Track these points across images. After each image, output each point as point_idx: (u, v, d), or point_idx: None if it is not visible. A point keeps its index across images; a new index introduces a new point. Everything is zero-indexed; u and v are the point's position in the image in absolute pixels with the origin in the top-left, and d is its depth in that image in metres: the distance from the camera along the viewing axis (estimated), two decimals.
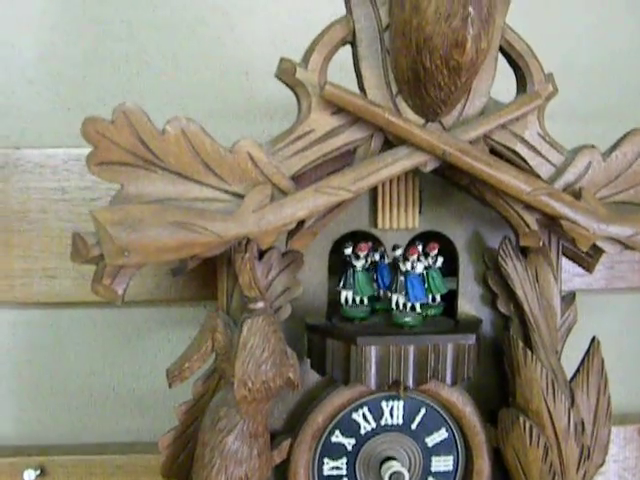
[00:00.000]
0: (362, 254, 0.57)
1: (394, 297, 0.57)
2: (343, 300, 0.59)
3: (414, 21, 0.46)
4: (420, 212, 0.60)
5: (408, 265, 0.56)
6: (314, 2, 0.75)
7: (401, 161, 0.50)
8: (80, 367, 0.77)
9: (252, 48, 0.78)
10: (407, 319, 0.57)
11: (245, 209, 0.49)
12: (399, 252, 0.58)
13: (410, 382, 0.55)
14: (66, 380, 0.77)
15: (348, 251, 0.58)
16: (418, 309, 0.57)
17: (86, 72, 0.76)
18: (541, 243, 0.55)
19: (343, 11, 0.50)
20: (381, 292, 0.61)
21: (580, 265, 0.63)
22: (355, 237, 0.59)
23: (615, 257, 0.82)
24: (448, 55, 0.46)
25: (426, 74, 0.47)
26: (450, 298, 0.62)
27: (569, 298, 0.62)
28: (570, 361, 0.62)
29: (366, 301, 0.59)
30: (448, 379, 0.56)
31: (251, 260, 0.53)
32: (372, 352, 0.54)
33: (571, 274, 0.80)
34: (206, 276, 0.68)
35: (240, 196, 0.50)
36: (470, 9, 0.45)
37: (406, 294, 0.57)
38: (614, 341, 0.84)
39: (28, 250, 0.72)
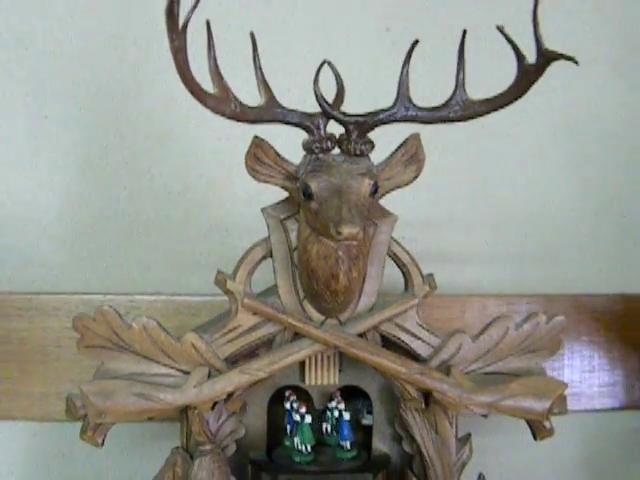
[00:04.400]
0: (302, 411, 0.81)
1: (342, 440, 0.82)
2: (296, 446, 0.82)
3: (304, 257, 0.70)
4: (340, 370, 0.83)
5: (347, 415, 0.81)
6: None
7: (305, 350, 0.75)
8: (87, 471, 1.03)
9: (231, 209, 1.03)
10: (346, 455, 0.81)
11: (188, 384, 0.74)
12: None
13: None
14: None
15: (287, 405, 0.82)
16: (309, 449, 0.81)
17: (96, 229, 1.02)
18: (423, 405, 0.78)
19: None
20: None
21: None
22: (291, 388, 0.83)
23: None
24: (327, 283, 0.70)
25: (316, 293, 0.72)
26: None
27: (464, 439, 0.84)
28: None
29: (309, 448, 0.82)
30: None
31: (200, 415, 0.78)
32: None
33: None
34: None
35: (186, 373, 0.75)
36: (340, 253, 0.69)
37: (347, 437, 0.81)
38: (548, 455, 1.06)
39: (46, 377, 0.98)
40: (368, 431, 0.85)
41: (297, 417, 0.80)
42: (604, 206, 1.07)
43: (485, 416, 0.84)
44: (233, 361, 0.76)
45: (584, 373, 1.03)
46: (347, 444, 0.82)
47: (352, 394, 0.85)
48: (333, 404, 0.82)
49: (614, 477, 1.09)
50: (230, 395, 0.75)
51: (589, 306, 1.03)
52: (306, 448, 0.81)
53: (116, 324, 0.73)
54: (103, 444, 0.76)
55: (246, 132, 0.96)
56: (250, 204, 1.01)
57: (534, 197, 1.06)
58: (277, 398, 0.83)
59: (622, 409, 1.06)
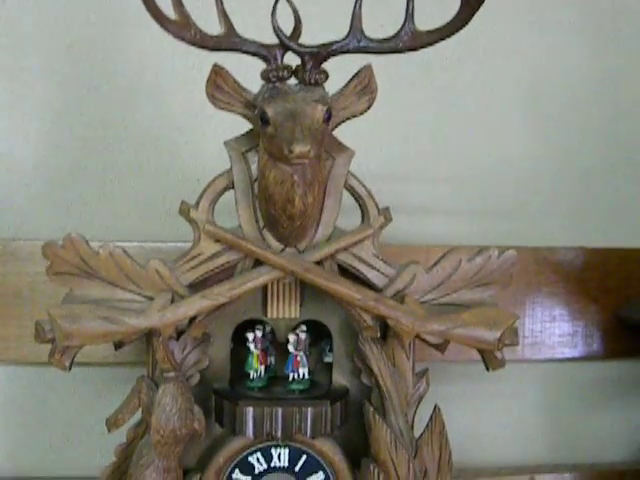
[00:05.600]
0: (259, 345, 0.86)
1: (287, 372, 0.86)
2: (251, 374, 0.87)
3: (262, 183, 0.74)
4: (301, 305, 0.87)
5: (291, 348, 0.84)
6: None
7: (264, 276, 0.78)
8: (60, 415, 1.06)
9: (203, 160, 1.07)
10: (294, 386, 0.85)
11: (152, 308, 0.78)
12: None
13: (279, 434, 0.83)
14: (48, 425, 1.06)
15: (250, 336, 0.86)
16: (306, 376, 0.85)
17: (71, 178, 1.05)
18: (378, 334, 0.82)
19: None
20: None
21: (433, 347, 0.89)
22: (253, 321, 0.87)
23: None
24: (284, 207, 0.74)
25: (273, 218, 0.75)
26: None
27: (421, 373, 0.88)
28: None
29: (261, 373, 0.87)
30: (309, 434, 0.83)
31: (164, 342, 0.81)
32: (250, 412, 0.82)
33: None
34: None
35: (151, 298, 0.79)
36: (296, 177, 0.72)
37: (290, 369, 0.85)
38: (507, 404, 1.10)
39: (20, 320, 1.02)
40: (330, 368, 0.89)
41: (250, 345, 0.84)
42: (565, 162, 1.11)
43: (441, 351, 0.88)
44: (196, 288, 0.79)
45: (544, 323, 1.07)
46: (294, 375, 0.86)
47: (317, 334, 0.89)
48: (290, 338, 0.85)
49: (573, 427, 1.13)
50: (192, 320, 0.79)
51: (549, 259, 1.07)
52: (256, 375, 0.86)
53: (84, 251, 0.77)
54: (71, 368, 0.79)
55: None
56: (222, 155, 1.05)
57: (497, 153, 1.10)
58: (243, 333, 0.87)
59: (581, 359, 1.10)
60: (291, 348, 0.84)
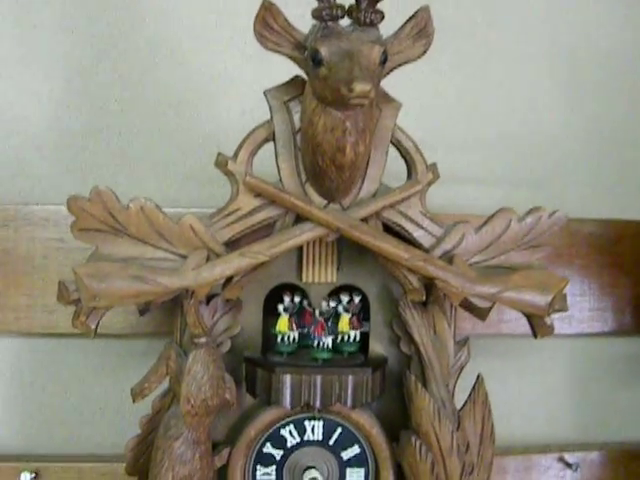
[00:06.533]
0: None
1: (315, 338, 0.79)
2: (279, 339, 0.80)
3: (309, 131, 0.68)
4: (338, 269, 0.80)
5: (317, 314, 0.78)
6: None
7: (306, 233, 0.72)
8: (73, 389, 0.99)
9: (224, 123, 1.00)
10: (321, 355, 0.78)
11: (186, 267, 0.71)
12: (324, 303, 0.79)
13: (318, 404, 0.76)
14: (61, 400, 0.99)
15: (287, 299, 0.80)
16: (330, 346, 0.78)
17: (85, 141, 0.98)
18: (424, 297, 0.76)
19: None
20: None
21: (473, 314, 0.83)
22: (286, 287, 0.80)
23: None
24: (333, 157, 0.67)
25: (320, 170, 0.69)
26: (367, 338, 0.83)
27: (462, 342, 0.82)
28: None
29: (292, 339, 0.80)
30: (349, 403, 0.76)
31: (195, 305, 0.74)
32: (287, 379, 0.75)
33: (496, 320, 1.00)
34: (174, 315, 0.89)
35: (184, 257, 0.72)
36: (348, 124, 0.66)
37: (321, 335, 0.78)
38: (536, 380, 1.04)
39: (32, 289, 0.94)
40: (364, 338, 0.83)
41: (280, 308, 0.79)
42: (598, 132, 1.06)
43: (483, 318, 0.81)
44: (232, 247, 0.72)
45: (575, 297, 1.02)
46: (318, 343, 0.79)
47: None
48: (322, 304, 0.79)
49: (602, 403, 1.08)
50: (228, 281, 0.72)
51: (582, 230, 1.01)
52: (287, 340, 0.79)
53: (112, 205, 0.70)
54: (96, 332, 0.72)
55: (240, 46, 0.93)
56: (243, 119, 0.99)
57: (528, 121, 1.04)
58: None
59: (612, 334, 1.04)
60: (317, 314, 0.77)
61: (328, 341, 0.78)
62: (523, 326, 0.98)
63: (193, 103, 0.99)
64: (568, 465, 1.03)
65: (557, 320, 0.79)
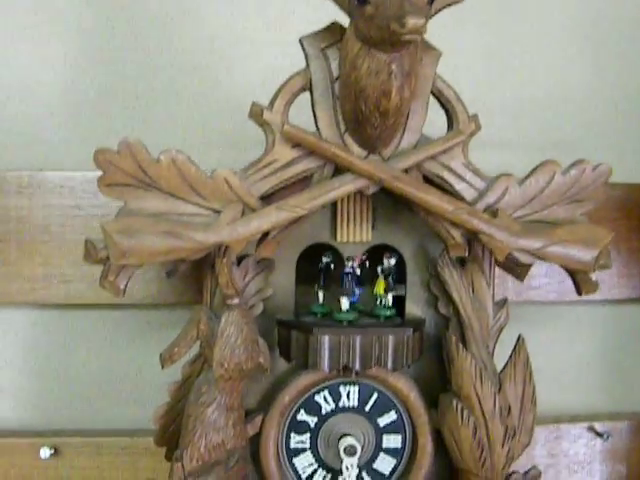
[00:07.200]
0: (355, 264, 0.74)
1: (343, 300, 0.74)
2: (344, 307, 0.74)
3: (352, 75, 0.63)
4: (373, 227, 0.76)
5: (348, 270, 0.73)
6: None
7: (346, 186, 0.67)
8: (91, 362, 0.94)
9: (245, 88, 0.95)
10: (346, 316, 0.73)
11: (221, 222, 0.66)
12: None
13: (357, 366, 0.71)
14: (79, 373, 0.94)
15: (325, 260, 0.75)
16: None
17: (101, 106, 0.93)
18: (467, 253, 0.71)
19: None
20: None
21: (511, 274, 0.79)
22: (318, 248, 0.76)
23: (564, 273, 0.98)
24: (378, 102, 0.63)
25: (363, 117, 0.64)
26: (401, 302, 0.78)
27: (501, 302, 0.77)
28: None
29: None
30: (389, 365, 0.72)
31: (228, 264, 0.70)
32: (325, 340, 0.71)
33: (525, 287, 0.96)
34: (197, 283, 0.85)
35: (218, 212, 0.67)
36: (393, 66, 0.61)
37: (346, 295, 0.73)
38: (565, 348, 1.00)
39: (48, 258, 0.89)
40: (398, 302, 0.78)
41: (348, 269, 0.73)
42: (624, 95, 1.02)
43: (521, 278, 0.78)
44: (267, 202, 0.68)
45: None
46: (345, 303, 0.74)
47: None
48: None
49: (631, 371, 1.04)
50: (263, 238, 0.67)
51: (610, 194, 0.96)
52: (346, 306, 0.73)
53: (142, 157, 0.65)
54: (125, 293, 0.67)
55: (260, 8, 0.89)
56: (265, 84, 0.93)
57: (555, 85, 1.00)
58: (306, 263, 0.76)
59: None
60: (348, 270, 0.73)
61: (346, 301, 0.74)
62: (552, 292, 0.95)
63: (213, 67, 0.94)
64: (598, 434, 0.99)
65: None
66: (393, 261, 0.75)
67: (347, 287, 0.73)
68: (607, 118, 1.02)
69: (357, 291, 0.73)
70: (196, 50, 0.94)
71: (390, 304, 0.76)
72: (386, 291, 0.76)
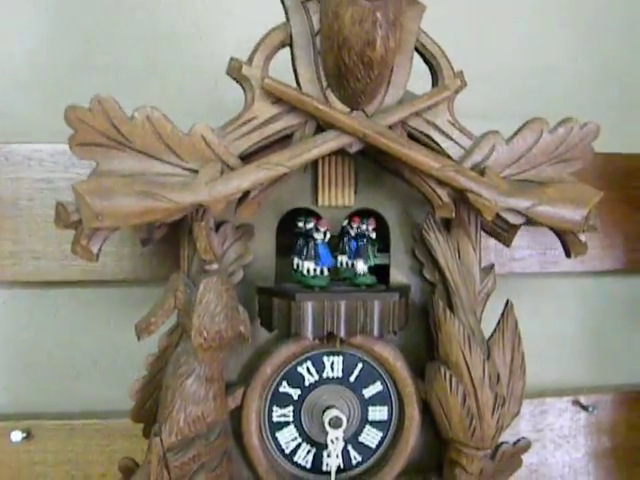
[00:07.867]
0: (322, 229, 0.70)
1: (306, 263, 0.70)
2: (305, 271, 0.71)
3: (335, 25, 0.60)
4: (355, 192, 0.72)
5: (319, 235, 0.69)
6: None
7: (329, 142, 0.64)
8: (64, 341, 0.90)
9: (221, 58, 0.91)
10: (317, 282, 0.69)
11: (199, 181, 0.62)
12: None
13: (342, 333, 0.68)
14: (51, 353, 0.90)
15: (310, 225, 0.70)
16: (326, 273, 0.69)
17: (71, 77, 0.89)
18: (454, 214, 0.68)
19: None
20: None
21: (497, 239, 0.76)
22: (299, 213, 0.72)
23: (547, 244, 0.95)
24: (362, 52, 0.59)
25: (346, 69, 0.61)
26: (385, 271, 0.75)
27: (488, 268, 0.74)
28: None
29: (326, 271, 0.71)
30: (375, 332, 0.68)
31: (206, 227, 0.66)
32: (309, 307, 0.67)
33: (507, 258, 0.93)
34: (173, 258, 0.80)
35: (195, 171, 0.63)
36: (378, 15, 0.58)
37: (316, 260, 0.69)
38: (548, 321, 0.97)
39: (17, 234, 0.85)
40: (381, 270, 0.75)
41: (318, 235, 0.68)
42: (604, 66, 1.00)
43: (508, 243, 0.74)
44: (246, 161, 0.64)
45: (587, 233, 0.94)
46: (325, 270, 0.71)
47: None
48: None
49: (614, 344, 1.01)
50: (244, 198, 0.63)
51: (592, 165, 0.94)
52: (322, 271, 0.70)
53: (115, 115, 0.61)
54: (98, 257, 0.63)
55: None
56: (240, 54, 0.90)
57: (532, 55, 0.97)
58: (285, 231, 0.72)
59: (624, 271, 0.98)
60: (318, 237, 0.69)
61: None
62: (535, 264, 0.91)
63: (188, 36, 0.91)
64: (583, 407, 0.96)
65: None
66: (371, 226, 0.71)
67: (362, 250, 0.69)
68: (589, 87, 0.99)
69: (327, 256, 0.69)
70: (171, 20, 0.91)
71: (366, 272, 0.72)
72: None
